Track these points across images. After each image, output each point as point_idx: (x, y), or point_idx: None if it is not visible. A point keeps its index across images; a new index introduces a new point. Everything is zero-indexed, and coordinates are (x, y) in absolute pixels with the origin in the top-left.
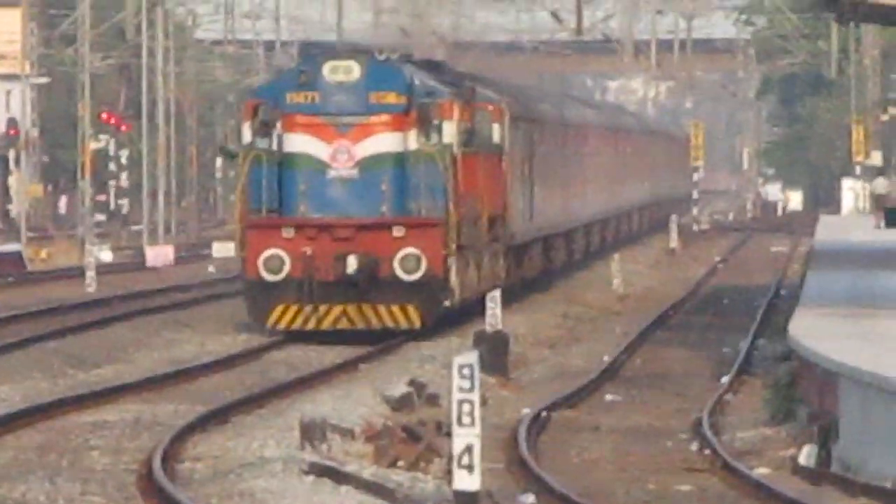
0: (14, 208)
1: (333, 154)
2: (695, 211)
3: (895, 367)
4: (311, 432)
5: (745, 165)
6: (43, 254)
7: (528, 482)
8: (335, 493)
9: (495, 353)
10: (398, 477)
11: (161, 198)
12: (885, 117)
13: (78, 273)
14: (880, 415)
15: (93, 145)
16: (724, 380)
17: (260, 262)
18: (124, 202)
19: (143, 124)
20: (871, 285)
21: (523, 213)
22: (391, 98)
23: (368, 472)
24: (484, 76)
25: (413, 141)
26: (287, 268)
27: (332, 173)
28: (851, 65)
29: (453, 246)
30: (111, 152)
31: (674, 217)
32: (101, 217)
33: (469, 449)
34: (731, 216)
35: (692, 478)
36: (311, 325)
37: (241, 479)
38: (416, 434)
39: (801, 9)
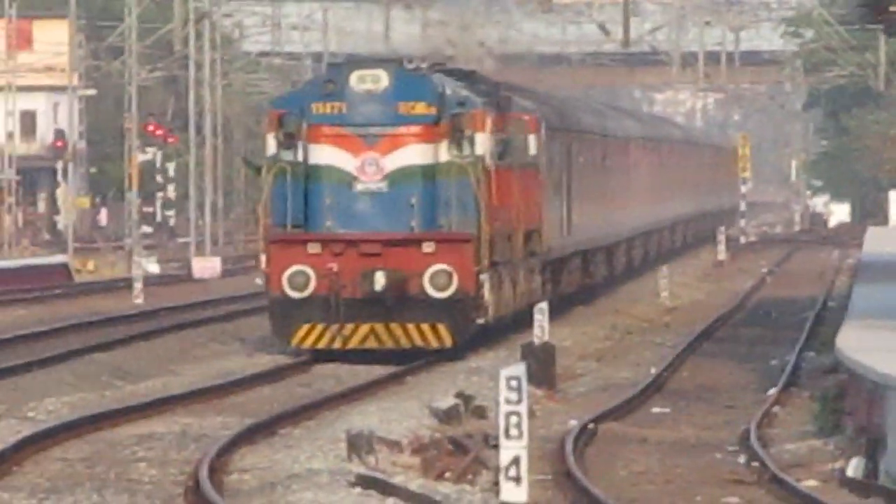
0: (61, 220)
1: (361, 166)
2: (742, 223)
3: None
4: (358, 444)
5: (793, 177)
6: (90, 265)
7: (575, 494)
8: None
9: (542, 366)
10: (445, 489)
11: (208, 210)
12: None
13: (125, 285)
14: None
15: (140, 157)
16: (772, 392)
17: (284, 278)
18: (171, 214)
19: (191, 136)
20: None
21: (561, 228)
22: (421, 108)
23: (415, 484)
24: (520, 86)
25: (444, 153)
26: (312, 285)
27: (359, 186)
28: None
29: (486, 262)
30: (158, 164)
31: (721, 229)
32: (147, 229)
33: (516, 461)
34: (778, 228)
35: (740, 490)
36: (337, 345)
37: (289, 491)
38: (463, 446)
39: (848, 21)
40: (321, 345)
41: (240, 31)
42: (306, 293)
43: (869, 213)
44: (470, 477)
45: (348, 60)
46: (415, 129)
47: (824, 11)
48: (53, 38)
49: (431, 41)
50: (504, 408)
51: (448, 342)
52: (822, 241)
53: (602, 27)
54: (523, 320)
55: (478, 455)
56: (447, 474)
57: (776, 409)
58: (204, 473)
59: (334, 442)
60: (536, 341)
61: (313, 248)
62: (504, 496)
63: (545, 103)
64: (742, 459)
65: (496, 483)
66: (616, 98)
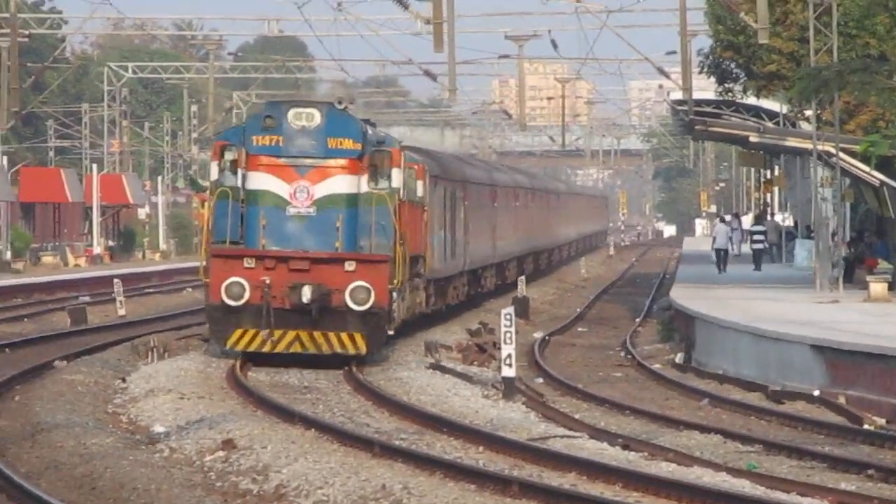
0: None
1: (293, 193)
2: (622, 236)
3: (722, 313)
4: (431, 348)
5: (647, 212)
6: None
7: (538, 372)
8: (442, 378)
9: (522, 307)
10: (474, 370)
11: None
12: (717, 188)
13: None
14: (714, 338)
15: None
16: (638, 320)
17: (222, 288)
18: None
19: None
20: (708, 272)
21: (445, 253)
22: (348, 144)
23: (459, 367)
24: (413, 145)
25: (364, 184)
26: (247, 294)
27: (291, 210)
28: (700, 161)
29: (397, 280)
30: None
31: (611, 237)
32: None
33: (510, 355)
34: (640, 238)
35: (622, 370)
36: (266, 349)
37: (395, 370)
38: (483, 348)
39: (674, 133)
40: (252, 348)
41: None
42: (241, 302)
43: (685, 230)
44: (487, 364)
45: (285, 99)
46: (342, 161)
47: (662, 129)
48: None
49: (465, 145)
50: (503, 328)
51: (363, 350)
52: (662, 244)
53: (551, 137)
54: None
55: (491, 352)
56: (475, 362)
57: (640, 328)
58: (355, 365)
59: (418, 346)
60: (519, 295)
61: (248, 263)
62: (504, 373)
63: (432, 158)
64: (623, 354)
65: (500, 367)
66: (557, 173)
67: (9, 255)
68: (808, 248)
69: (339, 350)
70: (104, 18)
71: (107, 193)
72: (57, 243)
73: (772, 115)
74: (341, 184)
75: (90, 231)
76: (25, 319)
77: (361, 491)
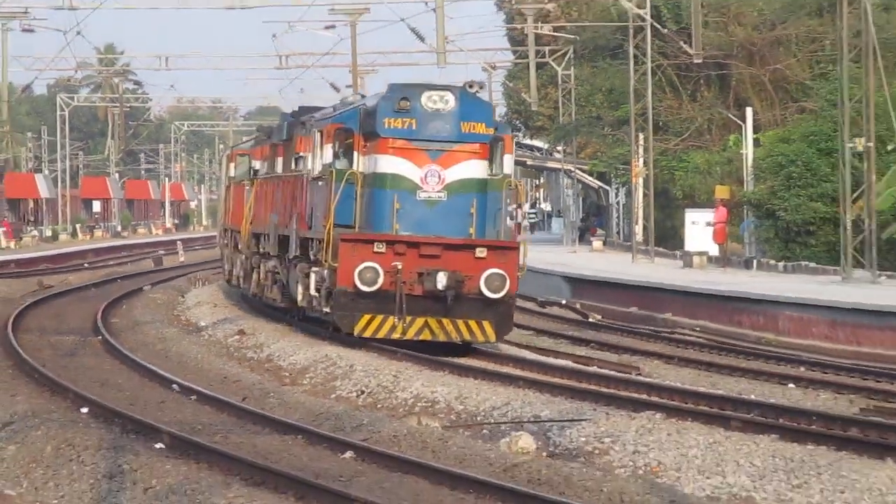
0: None
1: (424, 177)
2: None
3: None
4: None
5: None
6: None
7: None
8: None
9: None
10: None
11: None
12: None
13: None
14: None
15: None
16: None
17: (356, 273)
18: None
19: None
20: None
21: None
22: (481, 128)
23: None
24: None
25: (489, 169)
26: (381, 280)
27: (421, 195)
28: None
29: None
30: None
31: None
32: None
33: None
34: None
35: None
36: (395, 335)
37: None
38: None
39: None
40: (381, 334)
41: None
42: (375, 287)
43: None
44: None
45: (416, 83)
46: (474, 146)
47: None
48: None
49: None
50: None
51: (492, 338)
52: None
53: None
54: None
55: None
56: None
57: None
58: None
59: None
60: None
61: (379, 248)
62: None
63: None
64: None
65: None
66: None
67: (119, 227)
68: (559, 223)
69: (468, 338)
70: (172, 97)
71: (173, 194)
72: (146, 221)
73: (539, 150)
74: (472, 168)
75: (164, 214)
76: (129, 264)
77: (314, 357)
